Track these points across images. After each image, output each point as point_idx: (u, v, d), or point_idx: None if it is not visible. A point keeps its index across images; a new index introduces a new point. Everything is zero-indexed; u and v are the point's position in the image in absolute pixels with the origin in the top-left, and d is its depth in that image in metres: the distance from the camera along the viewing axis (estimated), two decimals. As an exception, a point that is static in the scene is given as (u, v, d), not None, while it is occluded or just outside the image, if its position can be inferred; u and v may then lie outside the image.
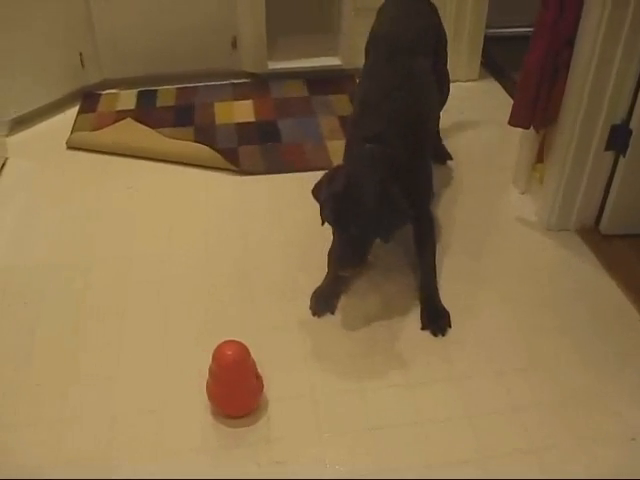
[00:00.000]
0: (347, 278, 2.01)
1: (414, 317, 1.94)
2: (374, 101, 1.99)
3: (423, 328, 1.90)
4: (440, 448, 1.59)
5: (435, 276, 2.00)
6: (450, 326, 1.91)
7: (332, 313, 1.95)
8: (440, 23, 2.35)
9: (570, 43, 2.03)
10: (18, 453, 1.58)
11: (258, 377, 1.67)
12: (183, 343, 1.87)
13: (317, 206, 1.87)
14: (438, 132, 2.56)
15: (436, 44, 2.29)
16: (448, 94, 2.48)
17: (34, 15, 2.77)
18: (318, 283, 2.00)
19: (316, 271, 2.02)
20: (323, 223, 1.84)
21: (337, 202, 1.76)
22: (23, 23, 2.75)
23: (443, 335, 1.88)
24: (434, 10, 2.34)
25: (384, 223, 1.78)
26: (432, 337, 1.88)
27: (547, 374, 1.77)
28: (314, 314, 1.95)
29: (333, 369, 1.78)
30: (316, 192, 1.89)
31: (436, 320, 1.91)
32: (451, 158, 2.62)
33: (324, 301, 1.97)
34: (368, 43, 2.28)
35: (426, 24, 2.27)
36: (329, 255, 1.98)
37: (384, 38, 2.19)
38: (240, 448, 1.59)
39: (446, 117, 2.98)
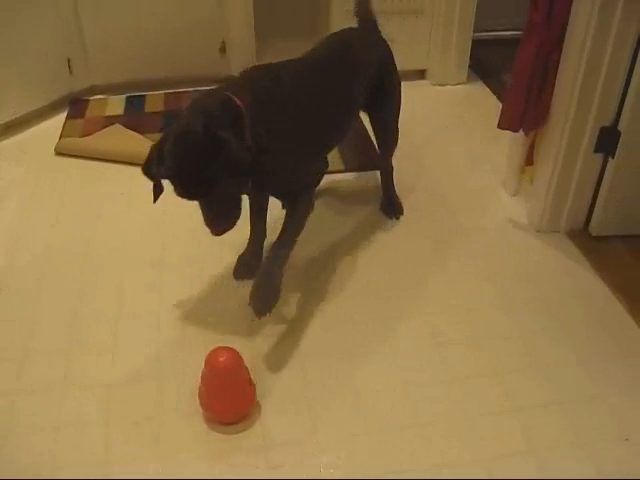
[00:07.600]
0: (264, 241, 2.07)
1: (410, 316, 1.94)
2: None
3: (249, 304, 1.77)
4: (438, 450, 1.58)
5: (281, 259, 1.81)
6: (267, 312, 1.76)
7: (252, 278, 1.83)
8: (394, 70, 2.19)
9: (559, 44, 2.04)
10: (14, 459, 1.56)
11: (251, 383, 1.66)
12: (176, 349, 1.85)
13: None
14: (394, 188, 2.38)
15: (378, 87, 2.12)
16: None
17: (22, 21, 2.75)
18: (315, 284, 2.00)
19: (312, 270, 2.02)
20: (155, 200, 1.75)
21: (171, 161, 1.64)
22: (11, 29, 2.74)
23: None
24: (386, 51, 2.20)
25: (226, 169, 1.59)
26: (428, 339, 1.87)
27: (541, 375, 1.77)
28: (235, 278, 2.05)
29: (327, 373, 1.78)
30: (147, 168, 1.73)
31: (262, 298, 1.76)
32: (402, 213, 2.36)
33: (246, 265, 2.04)
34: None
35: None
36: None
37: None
38: (235, 454, 1.58)
39: (435, 121, 3.02)
